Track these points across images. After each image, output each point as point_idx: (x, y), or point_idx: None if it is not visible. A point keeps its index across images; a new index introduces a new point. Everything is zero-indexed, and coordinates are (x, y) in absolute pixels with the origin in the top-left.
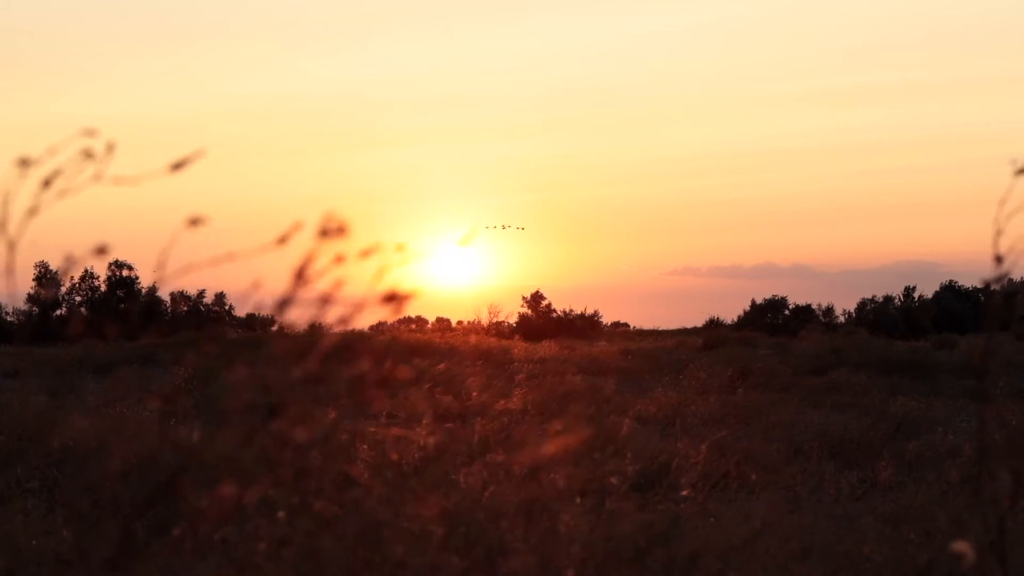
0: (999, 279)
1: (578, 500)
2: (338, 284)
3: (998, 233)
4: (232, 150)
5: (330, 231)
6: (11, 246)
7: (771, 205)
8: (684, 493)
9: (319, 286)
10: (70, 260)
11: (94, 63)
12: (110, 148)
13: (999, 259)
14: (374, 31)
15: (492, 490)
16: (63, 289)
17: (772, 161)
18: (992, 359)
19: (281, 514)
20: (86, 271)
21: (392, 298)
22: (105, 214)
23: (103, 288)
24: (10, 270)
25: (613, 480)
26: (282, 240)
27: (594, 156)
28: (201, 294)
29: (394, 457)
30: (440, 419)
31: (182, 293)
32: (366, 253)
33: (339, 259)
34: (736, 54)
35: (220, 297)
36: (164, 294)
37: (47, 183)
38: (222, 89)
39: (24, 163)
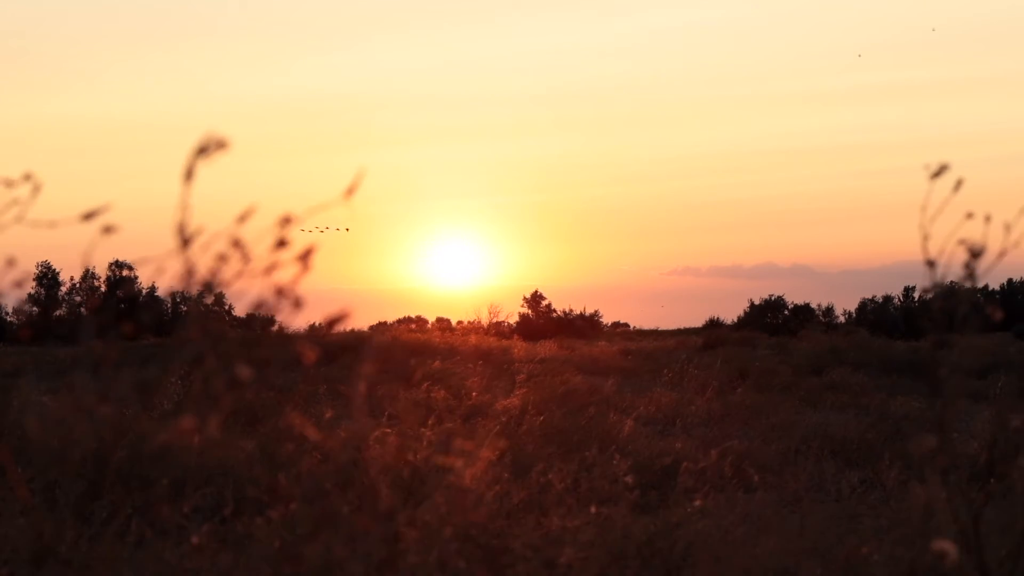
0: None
1: (581, 500)
2: (237, 245)
3: (925, 238)
4: (231, 150)
5: (209, 148)
6: None
7: (772, 205)
8: (686, 496)
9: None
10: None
11: (89, 63)
12: (36, 190)
13: (931, 264)
14: (377, 30)
15: (496, 490)
16: (63, 289)
17: (773, 161)
18: (944, 359)
19: (275, 513)
20: (87, 271)
21: (284, 244)
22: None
23: (103, 288)
24: None
25: (624, 480)
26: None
27: (595, 156)
28: (201, 294)
29: (395, 456)
30: (441, 419)
31: (182, 293)
32: (244, 217)
33: (238, 246)
34: (737, 55)
35: (220, 297)
36: (164, 294)
37: None
38: (218, 88)
39: None
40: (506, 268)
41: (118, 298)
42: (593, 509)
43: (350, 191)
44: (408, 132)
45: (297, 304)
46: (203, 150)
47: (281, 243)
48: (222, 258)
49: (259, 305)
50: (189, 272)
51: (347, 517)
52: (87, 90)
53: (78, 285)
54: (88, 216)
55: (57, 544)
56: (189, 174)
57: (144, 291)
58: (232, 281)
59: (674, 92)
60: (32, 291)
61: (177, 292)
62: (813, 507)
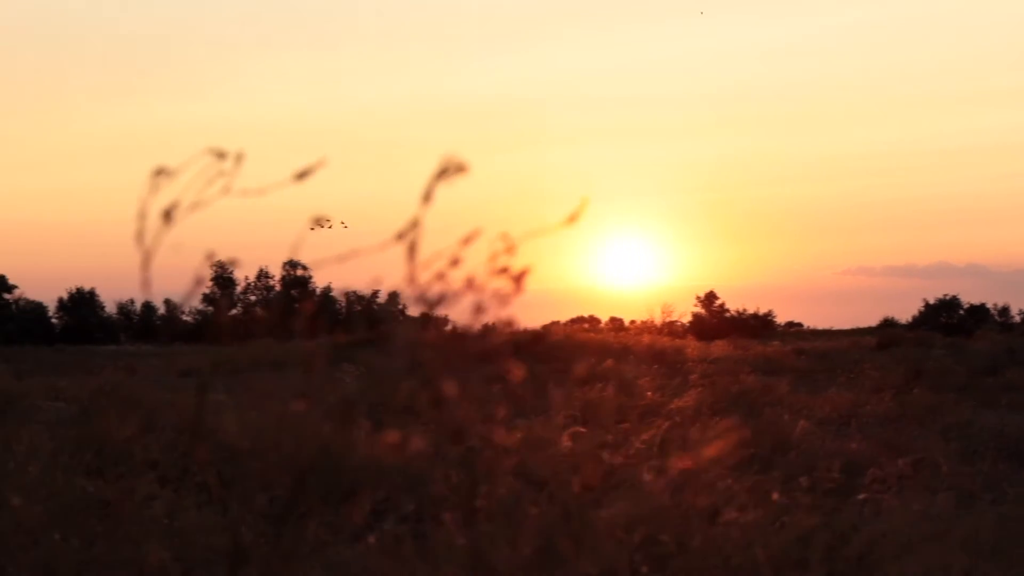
0: None
1: (755, 500)
2: (454, 262)
3: None
4: (387, 152)
5: (449, 170)
6: (148, 256)
7: (946, 204)
8: (862, 497)
9: (434, 266)
10: (210, 259)
11: (230, 67)
12: (239, 159)
13: None
14: (547, 31)
15: (671, 490)
16: (238, 289)
17: (947, 160)
18: None
19: (450, 515)
20: (261, 270)
21: (506, 272)
22: (263, 215)
23: (277, 287)
24: (147, 282)
25: (799, 480)
26: (401, 236)
27: (767, 155)
28: (375, 294)
29: (583, 457)
30: (615, 418)
31: (356, 292)
32: (469, 240)
33: (455, 260)
34: (909, 53)
35: (394, 296)
36: (338, 294)
37: (167, 215)
38: (391, 91)
39: (160, 173)
40: (679, 267)
41: (292, 297)
42: (768, 509)
43: (573, 218)
44: (581, 132)
45: (509, 325)
46: (443, 173)
47: (502, 270)
48: (440, 275)
49: (478, 311)
50: (410, 287)
51: (535, 518)
52: (226, 95)
53: (253, 284)
54: (301, 175)
55: (251, 547)
56: (427, 197)
57: (319, 291)
58: (448, 297)
59: (846, 91)
60: (207, 290)
61: (351, 292)
62: (989, 508)
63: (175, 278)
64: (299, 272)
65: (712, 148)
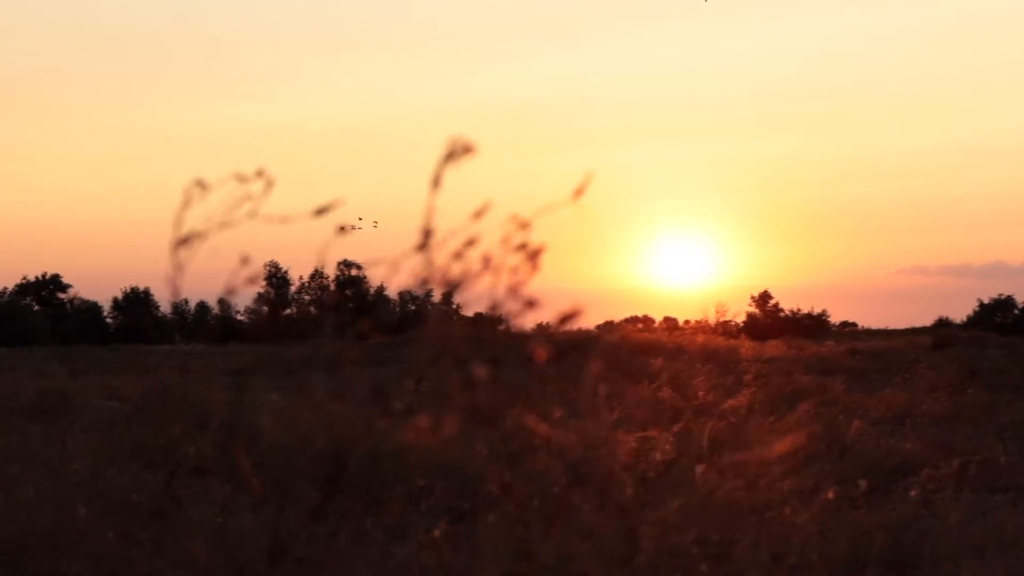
0: None
1: (809, 500)
2: (471, 242)
3: None
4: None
5: (456, 153)
6: (180, 266)
7: (1001, 203)
8: (913, 493)
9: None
10: (245, 262)
11: (285, 69)
12: (268, 186)
13: None
14: (593, 30)
15: (725, 490)
16: (292, 288)
17: (1002, 159)
18: None
19: (508, 510)
20: (316, 270)
21: (524, 248)
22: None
23: (332, 287)
24: (176, 291)
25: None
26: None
27: (821, 155)
28: (428, 293)
29: (634, 455)
30: (669, 418)
31: (409, 292)
32: (480, 213)
33: (472, 241)
34: (957, 52)
35: (447, 296)
36: (392, 293)
37: (185, 240)
38: (444, 90)
39: (197, 186)
40: (733, 267)
41: (347, 297)
42: (821, 509)
43: (579, 192)
44: (634, 131)
45: (530, 305)
46: (450, 155)
47: (519, 246)
48: (457, 255)
49: (493, 306)
50: (427, 272)
51: (584, 514)
52: (277, 96)
53: (307, 284)
54: (320, 211)
55: (292, 542)
56: (437, 181)
57: (373, 290)
58: (466, 279)
59: (901, 89)
60: (262, 290)
61: (406, 292)
62: None
63: (227, 277)
64: (353, 272)
65: (767, 147)
